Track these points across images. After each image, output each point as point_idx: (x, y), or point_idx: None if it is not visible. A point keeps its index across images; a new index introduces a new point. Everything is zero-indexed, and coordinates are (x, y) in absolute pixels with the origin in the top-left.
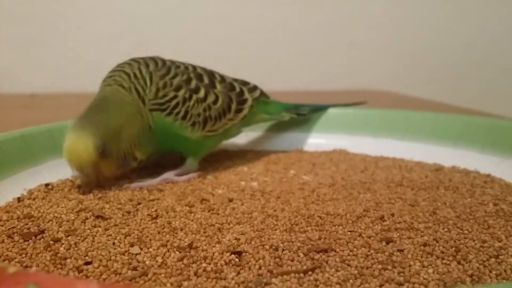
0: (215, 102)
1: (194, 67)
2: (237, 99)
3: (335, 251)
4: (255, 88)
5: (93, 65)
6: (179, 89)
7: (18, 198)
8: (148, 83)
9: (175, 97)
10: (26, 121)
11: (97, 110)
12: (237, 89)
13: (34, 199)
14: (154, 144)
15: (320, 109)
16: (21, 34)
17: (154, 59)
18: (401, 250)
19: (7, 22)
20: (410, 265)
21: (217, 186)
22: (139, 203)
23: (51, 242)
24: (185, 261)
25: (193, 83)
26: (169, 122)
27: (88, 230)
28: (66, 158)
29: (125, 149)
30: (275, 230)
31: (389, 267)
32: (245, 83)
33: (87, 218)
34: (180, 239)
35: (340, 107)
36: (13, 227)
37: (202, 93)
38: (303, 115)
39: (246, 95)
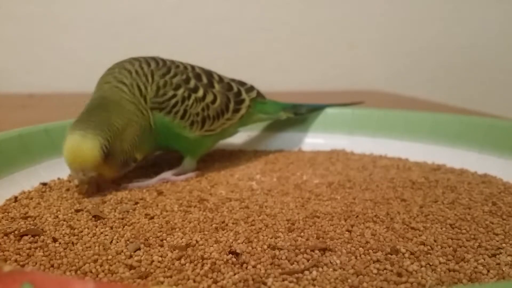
0: (213, 101)
1: (193, 67)
2: (235, 99)
3: (333, 251)
4: (252, 88)
5: (91, 65)
6: (178, 88)
7: (15, 197)
8: (150, 81)
9: (174, 96)
10: (24, 121)
11: (98, 110)
12: (235, 89)
13: (31, 198)
14: (153, 143)
15: (317, 108)
16: (20, 34)
17: (154, 58)
18: (399, 250)
19: (6, 22)
20: (408, 265)
21: (215, 186)
22: (137, 203)
23: (48, 241)
24: (182, 260)
25: (192, 83)
26: (168, 121)
27: (85, 230)
28: (68, 158)
29: (127, 151)
30: (273, 229)
31: (387, 267)
32: (242, 84)
33: (84, 218)
34: (177, 239)
35: (338, 107)
36: (10, 227)
37: (200, 92)
38: (300, 114)
39: (244, 95)
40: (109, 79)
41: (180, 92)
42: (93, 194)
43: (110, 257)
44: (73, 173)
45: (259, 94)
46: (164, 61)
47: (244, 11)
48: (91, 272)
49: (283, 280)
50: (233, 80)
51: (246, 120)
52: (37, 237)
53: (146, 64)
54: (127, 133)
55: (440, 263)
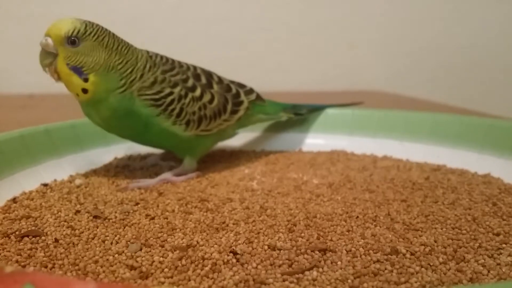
0: (210, 101)
1: (195, 68)
2: (233, 100)
3: (333, 251)
4: (251, 91)
5: None
6: (175, 86)
7: (16, 198)
8: (147, 67)
9: (170, 93)
10: (24, 122)
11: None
12: (234, 91)
13: (32, 199)
14: (116, 104)
15: (317, 109)
16: (20, 35)
17: (160, 55)
18: (399, 250)
19: (6, 23)
20: (408, 265)
21: (216, 186)
22: (137, 203)
23: (49, 242)
24: (183, 261)
25: (190, 82)
26: (164, 119)
27: (86, 230)
28: (50, 25)
29: (89, 61)
30: (274, 230)
31: (388, 267)
32: (241, 86)
33: (85, 218)
34: (178, 239)
35: (339, 108)
36: (11, 227)
37: (198, 92)
38: (300, 115)
39: (242, 97)
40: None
41: (177, 90)
42: (43, 67)
43: (111, 257)
44: (41, 43)
45: (258, 96)
46: (169, 59)
47: (244, 11)
48: (92, 272)
49: (284, 280)
50: (233, 82)
51: (245, 122)
52: (38, 237)
53: (154, 54)
54: (105, 53)
55: (440, 263)
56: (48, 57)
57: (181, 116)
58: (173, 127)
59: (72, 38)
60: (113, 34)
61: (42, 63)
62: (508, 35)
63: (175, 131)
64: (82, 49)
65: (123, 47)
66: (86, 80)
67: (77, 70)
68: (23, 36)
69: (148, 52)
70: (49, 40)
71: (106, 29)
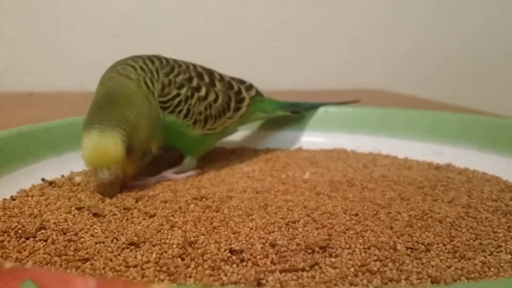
0: (215, 100)
1: (194, 66)
2: (235, 97)
3: (333, 249)
4: (251, 87)
5: (92, 64)
6: (181, 87)
7: (16, 195)
8: (155, 77)
9: (177, 95)
10: (25, 120)
11: (109, 103)
12: (236, 88)
13: (32, 196)
14: (163, 135)
15: (314, 107)
16: (20, 34)
17: (156, 56)
18: (399, 248)
19: (6, 22)
20: (408, 263)
21: (216, 184)
22: (137, 201)
23: (49, 239)
24: (183, 258)
25: (195, 82)
26: (172, 120)
27: (86, 228)
28: (90, 157)
29: (143, 142)
30: (273, 227)
31: (388, 265)
32: (242, 82)
33: (85, 216)
34: (178, 237)
35: (338, 106)
36: (10, 225)
37: (203, 91)
38: (297, 113)
39: (244, 94)
40: (113, 75)
41: (183, 91)
42: (116, 194)
43: (110, 255)
44: (97, 173)
45: (257, 92)
46: (166, 59)
47: (244, 11)
48: (92, 269)
49: (284, 277)
50: (233, 79)
51: (245, 119)
52: (38, 235)
53: (149, 61)
54: (141, 124)
55: (440, 261)
56: (114, 183)
57: (188, 117)
58: (180, 128)
59: (127, 151)
60: (125, 96)
61: (112, 194)
62: (508, 34)
63: (182, 131)
64: (133, 146)
65: (138, 96)
66: (151, 152)
67: (144, 156)
68: (24, 35)
69: (140, 59)
70: (112, 170)
71: (126, 101)
